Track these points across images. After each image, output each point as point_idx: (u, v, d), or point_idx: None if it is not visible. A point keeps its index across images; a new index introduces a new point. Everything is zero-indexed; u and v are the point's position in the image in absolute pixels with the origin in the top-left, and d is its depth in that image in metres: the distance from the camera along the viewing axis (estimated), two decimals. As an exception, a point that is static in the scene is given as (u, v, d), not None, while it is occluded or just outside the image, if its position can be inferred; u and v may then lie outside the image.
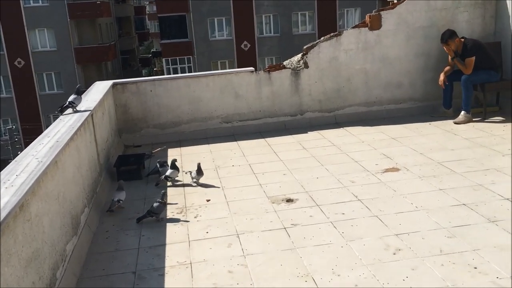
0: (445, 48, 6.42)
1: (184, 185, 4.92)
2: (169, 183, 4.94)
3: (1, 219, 2.15)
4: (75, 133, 3.80)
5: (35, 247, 2.62)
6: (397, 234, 3.55)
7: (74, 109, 4.66)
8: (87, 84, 27.79)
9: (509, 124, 6.08)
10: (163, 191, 4.31)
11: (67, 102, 4.70)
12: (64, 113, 4.55)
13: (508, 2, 6.53)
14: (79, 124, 4.01)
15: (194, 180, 4.92)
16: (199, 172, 4.88)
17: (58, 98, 30.15)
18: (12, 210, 2.28)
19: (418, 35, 6.76)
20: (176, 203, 4.46)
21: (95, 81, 6.94)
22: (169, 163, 5.10)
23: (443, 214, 3.80)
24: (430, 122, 6.47)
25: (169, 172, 4.93)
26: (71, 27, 30.48)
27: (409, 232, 3.57)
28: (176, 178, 4.99)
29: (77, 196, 3.73)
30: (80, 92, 4.82)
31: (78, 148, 3.95)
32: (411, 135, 5.95)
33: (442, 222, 3.67)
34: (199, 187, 4.84)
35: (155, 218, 4.07)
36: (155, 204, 4.09)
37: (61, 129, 3.86)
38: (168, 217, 4.17)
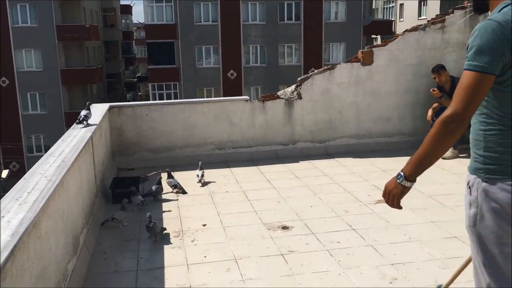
0: (436, 79, 6.62)
1: (179, 207, 4.97)
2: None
3: (19, 235, 2.18)
4: (79, 153, 3.84)
5: (43, 264, 2.64)
6: (392, 264, 3.64)
7: (86, 123, 5.09)
8: (71, 106, 27.47)
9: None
10: (148, 213, 4.28)
11: (83, 116, 5.13)
12: (80, 126, 5.05)
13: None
14: (82, 144, 4.06)
15: (201, 179, 5.78)
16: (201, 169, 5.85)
17: (41, 118, 29.92)
18: (29, 226, 2.31)
19: (408, 72, 7.03)
20: (173, 226, 4.49)
21: (80, 103, 7.02)
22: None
23: (436, 246, 3.92)
24: (418, 156, 6.64)
25: (155, 187, 5.26)
26: (58, 49, 30.50)
27: (404, 262, 3.67)
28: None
29: (78, 216, 3.74)
30: (90, 108, 5.30)
31: (80, 169, 3.98)
32: (399, 168, 6.09)
33: (435, 254, 3.78)
34: (195, 212, 4.88)
35: (117, 224, 4.45)
36: (117, 213, 4.46)
37: (65, 149, 3.90)
38: (165, 240, 4.19)
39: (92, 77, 32.23)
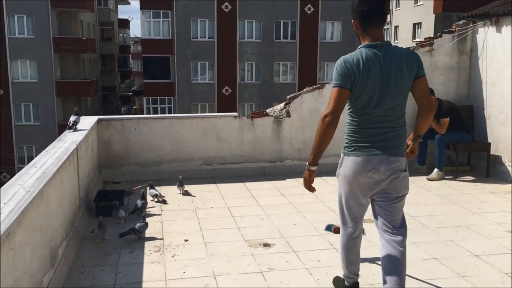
0: None
1: (162, 222, 4.96)
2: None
3: (-10, 245, 2.17)
4: (61, 165, 3.85)
5: (16, 276, 2.63)
6: (370, 284, 3.64)
7: (75, 128, 5.34)
8: (65, 118, 27.65)
9: (479, 184, 6.35)
10: (143, 213, 4.72)
11: (72, 122, 5.35)
12: (68, 132, 5.32)
13: (481, 68, 6.97)
14: (65, 156, 4.06)
15: (179, 192, 5.99)
16: (181, 184, 5.96)
17: (34, 129, 29.84)
18: (1, 237, 2.31)
19: (396, 93, 7.09)
20: (154, 241, 4.48)
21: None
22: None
23: (415, 267, 3.91)
24: (404, 177, 6.68)
25: (140, 203, 5.20)
26: (54, 61, 30.58)
27: (382, 282, 3.66)
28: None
29: (57, 228, 3.73)
30: (78, 113, 5.54)
31: (62, 181, 3.98)
32: (386, 188, 6.14)
33: (414, 274, 3.78)
34: (178, 227, 4.87)
35: (138, 236, 4.45)
36: (138, 225, 4.44)
37: (48, 160, 3.90)
38: (145, 255, 4.18)
39: (87, 90, 32.27)
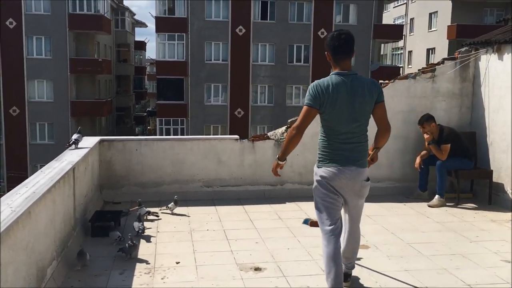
0: (421, 130, 6.73)
1: (156, 243, 4.97)
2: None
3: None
4: (53, 185, 3.90)
5: (-5, 295, 2.66)
6: (357, 307, 3.60)
7: (76, 146, 5.62)
8: (79, 137, 27.55)
9: (480, 211, 6.26)
10: (130, 234, 4.79)
11: (73, 139, 5.60)
12: (69, 149, 5.58)
13: (484, 95, 6.94)
14: (58, 177, 4.13)
15: (171, 210, 6.06)
16: (175, 203, 6.06)
17: (49, 148, 30.23)
18: (-23, 256, 2.35)
19: (397, 118, 7.06)
20: (146, 263, 4.49)
21: (88, 134, 7.10)
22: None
23: (405, 295, 3.87)
24: (405, 203, 6.64)
25: (142, 227, 5.25)
26: (70, 81, 31.19)
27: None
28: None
29: (47, 248, 3.77)
30: (81, 132, 5.83)
31: (54, 201, 4.03)
32: (385, 214, 6.09)
33: (403, 303, 3.73)
34: (171, 249, 4.88)
35: (128, 256, 4.54)
36: (127, 244, 4.56)
37: (40, 180, 3.97)
38: (135, 276, 4.18)
39: (101, 110, 32.75)
